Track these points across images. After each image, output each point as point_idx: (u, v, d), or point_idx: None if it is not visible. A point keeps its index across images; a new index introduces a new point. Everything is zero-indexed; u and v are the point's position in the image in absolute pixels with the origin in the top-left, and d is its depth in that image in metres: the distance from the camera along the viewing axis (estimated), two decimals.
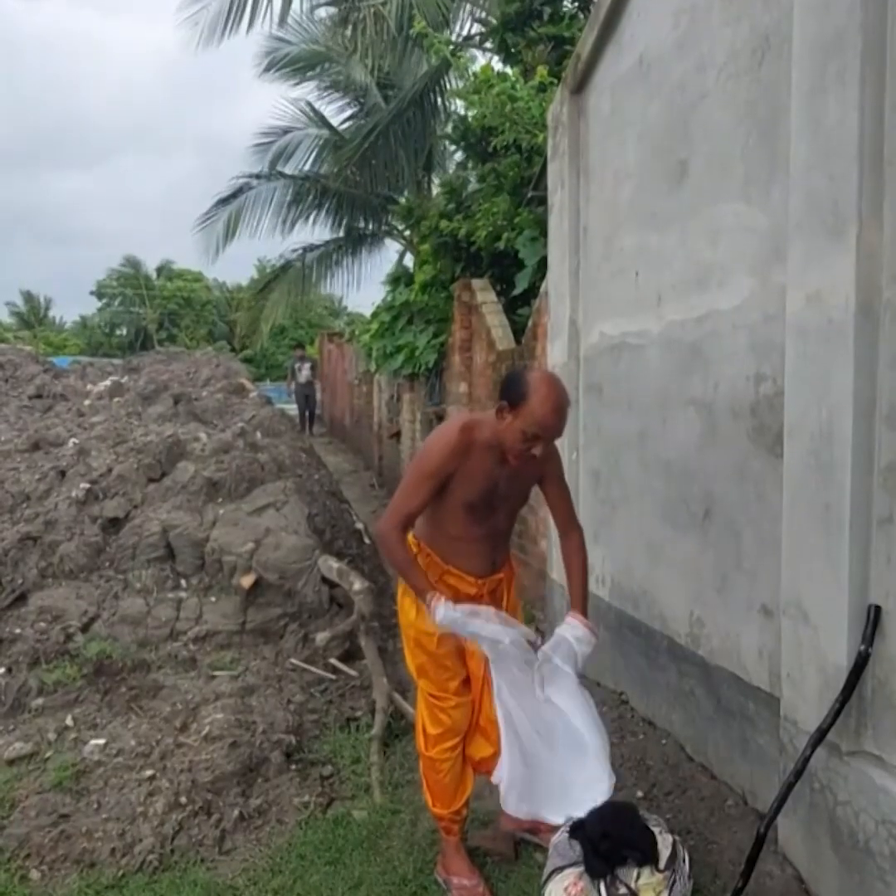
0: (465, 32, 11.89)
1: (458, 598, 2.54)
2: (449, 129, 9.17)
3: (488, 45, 9.19)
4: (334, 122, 14.39)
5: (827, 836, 2.44)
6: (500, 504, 2.62)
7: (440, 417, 8.16)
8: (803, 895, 2.53)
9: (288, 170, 14.75)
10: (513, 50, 7.85)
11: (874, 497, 2.27)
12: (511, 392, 2.43)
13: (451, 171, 12.17)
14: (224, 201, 15.06)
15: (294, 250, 16.05)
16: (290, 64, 13.42)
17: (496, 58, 8.83)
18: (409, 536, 2.66)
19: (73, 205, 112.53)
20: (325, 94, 14.08)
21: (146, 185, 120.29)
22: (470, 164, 8.48)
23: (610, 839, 2.36)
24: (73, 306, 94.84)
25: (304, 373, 16.78)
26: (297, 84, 13.96)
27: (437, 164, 13.50)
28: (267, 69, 13.43)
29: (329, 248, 15.69)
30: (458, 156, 10.58)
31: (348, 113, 14.14)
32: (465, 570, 2.63)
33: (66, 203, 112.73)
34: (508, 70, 7.84)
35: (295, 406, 16.74)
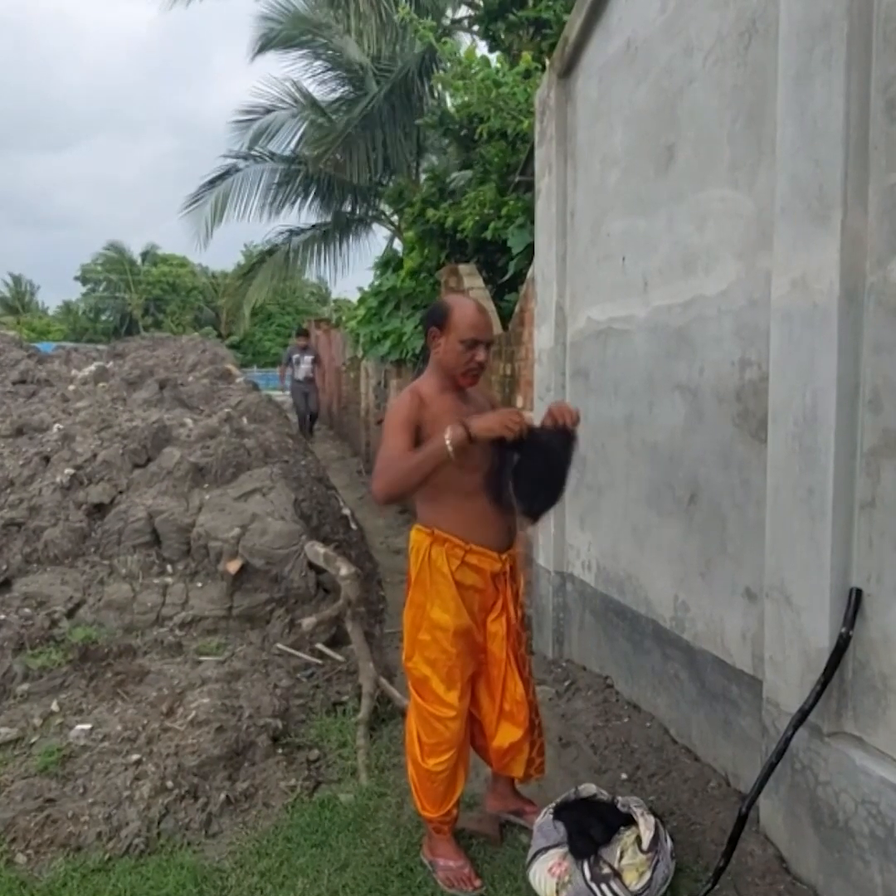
0: (455, 16, 11.79)
1: (483, 580, 2.61)
2: (430, 119, 9.09)
3: (477, 29, 9.13)
4: (324, 102, 14.22)
5: (808, 815, 2.48)
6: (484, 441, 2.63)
7: None
8: (784, 874, 2.56)
9: (271, 150, 14.63)
10: (498, 36, 7.83)
11: (857, 481, 2.29)
12: (434, 319, 2.60)
13: (439, 158, 12.08)
14: (211, 183, 14.91)
15: (280, 233, 15.96)
16: (282, 41, 13.26)
17: (483, 43, 8.79)
18: (422, 530, 2.62)
19: (51, 188, 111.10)
20: (317, 71, 13.90)
21: (124, 167, 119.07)
22: (451, 151, 8.44)
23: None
24: (55, 291, 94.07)
25: (304, 367, 13.01)
26: (289, 57, 13.76)
27: (427, 150, 13.39)
28: (261, 49, 13.24)
29: (316, 232, 15.57)
30: (443, 143, 10.51)
31: (339, 94, 13.96)
32: (486, 544, 2.59)
33: (43, 186, 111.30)
34: (493, 57, 7.79)
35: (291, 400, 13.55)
